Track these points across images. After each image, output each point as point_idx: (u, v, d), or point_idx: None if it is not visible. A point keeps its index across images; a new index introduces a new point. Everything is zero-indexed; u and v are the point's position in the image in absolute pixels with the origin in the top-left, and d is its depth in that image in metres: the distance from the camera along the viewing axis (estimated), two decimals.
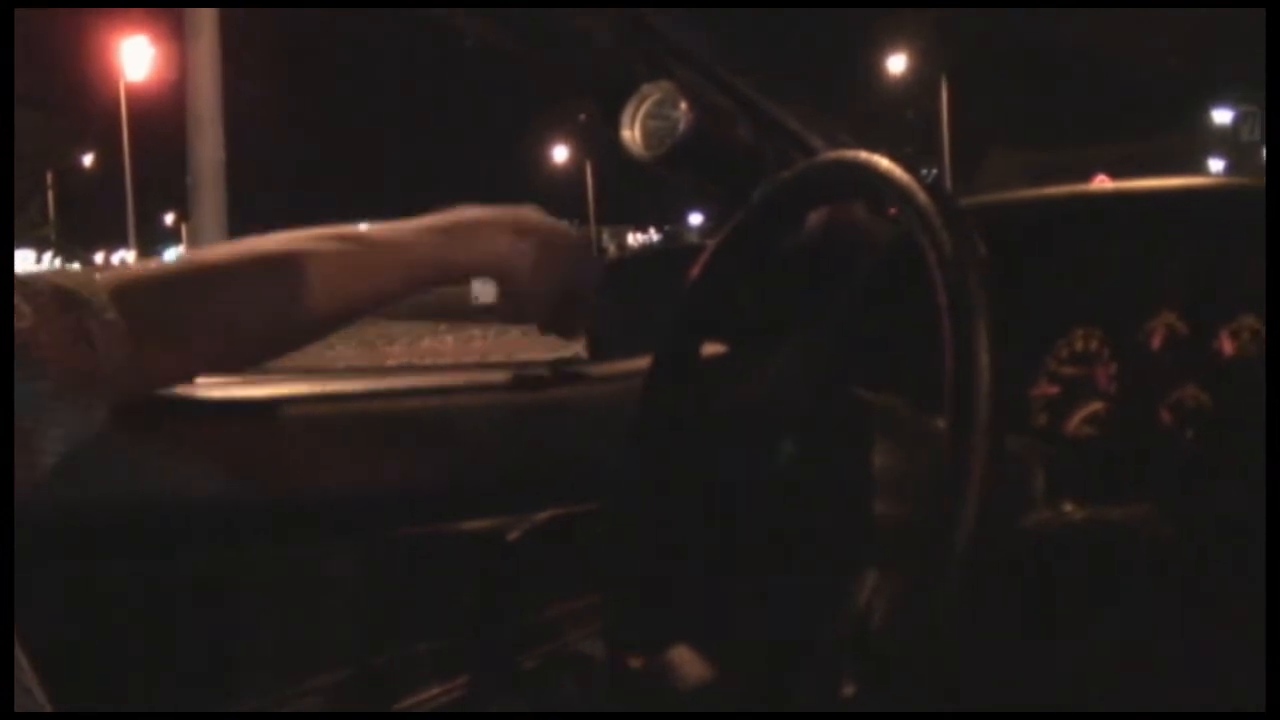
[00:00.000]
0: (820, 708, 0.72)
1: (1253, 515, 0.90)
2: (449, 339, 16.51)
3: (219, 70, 8.79)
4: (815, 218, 1.11)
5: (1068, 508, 0.86)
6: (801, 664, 0.80)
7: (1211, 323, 0.96)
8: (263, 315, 0.90)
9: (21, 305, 0.74)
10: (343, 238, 0.94)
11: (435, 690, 1.13)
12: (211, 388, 1.13)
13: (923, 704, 0.64)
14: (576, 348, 1.43)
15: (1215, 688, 0.87)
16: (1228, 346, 0.95)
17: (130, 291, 0.82)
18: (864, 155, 0.79)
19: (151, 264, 0.88)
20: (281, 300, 0.90)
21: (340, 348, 15.63)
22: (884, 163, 0.77)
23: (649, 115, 1.09)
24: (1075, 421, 1.03)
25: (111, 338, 0.79)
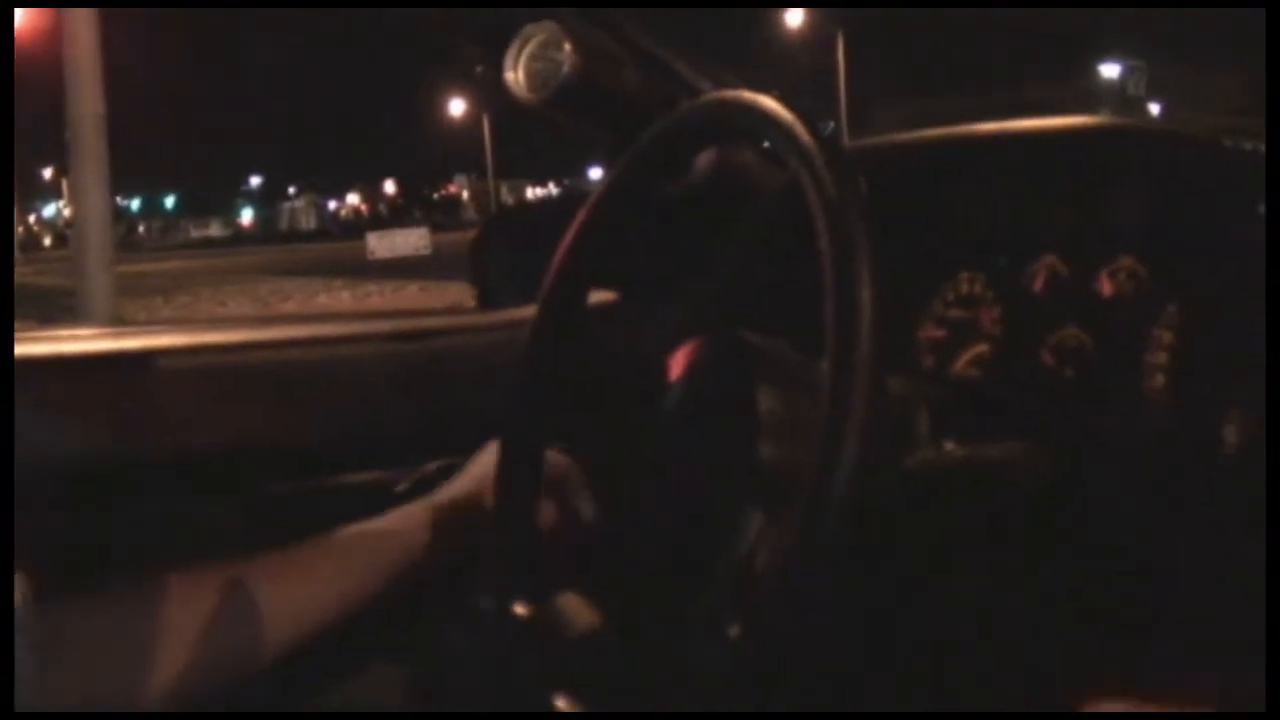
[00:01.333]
0: (707, 650, 0.72)
1: (1128, 452, 0.92)
2: (345, 295, 16.20)
3: (98, 17, 8.45)
4: (703, 162, 1.10)
5: (949, 446, 0.87)
6: (688, 607, 0.80)
7: (1091, 263, 0.97)
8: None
9: None
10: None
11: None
12: (79, 340, 1.09)
13: (804, 641, 0.65)
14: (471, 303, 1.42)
15: (1094, 621, 0.90)
16: (1106, 287, 0.97)
17: None
18: (747, 95, 0.78)
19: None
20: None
21: (231, 305, 15.30)
22: (767, 102, 0.76)
23: (533, 57, 1.07)
24: (961, 363, 1.04)
25: None
